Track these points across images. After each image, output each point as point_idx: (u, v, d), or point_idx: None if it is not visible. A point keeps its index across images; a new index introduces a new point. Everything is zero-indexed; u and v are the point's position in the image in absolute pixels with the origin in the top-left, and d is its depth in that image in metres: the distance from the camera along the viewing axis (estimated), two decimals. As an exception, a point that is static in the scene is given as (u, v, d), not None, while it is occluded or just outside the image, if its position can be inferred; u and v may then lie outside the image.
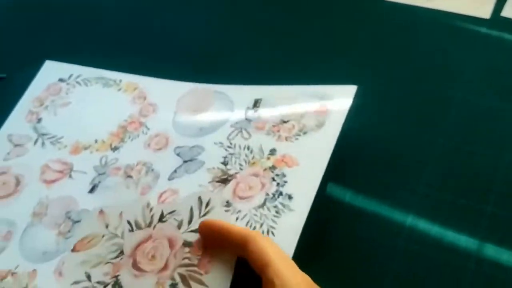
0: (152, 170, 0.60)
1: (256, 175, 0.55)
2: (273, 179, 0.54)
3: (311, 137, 0.57)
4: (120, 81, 0.70)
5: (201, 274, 0.45)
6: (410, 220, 0.54)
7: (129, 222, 0.48)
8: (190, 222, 0.47)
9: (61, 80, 0.72)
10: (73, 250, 0.48)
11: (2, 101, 0.72)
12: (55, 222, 0.59)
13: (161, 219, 0.48)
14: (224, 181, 0.56)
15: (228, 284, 0.44)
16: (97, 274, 0.47)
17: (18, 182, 0.63)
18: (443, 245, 0.52)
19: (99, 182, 0.61)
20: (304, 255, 0.47)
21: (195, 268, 0.45)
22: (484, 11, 0.69)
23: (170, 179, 0.58)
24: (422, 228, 0.53)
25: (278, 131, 0.58)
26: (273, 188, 0.53)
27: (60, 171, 0.63)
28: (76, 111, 0.68)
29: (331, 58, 0.68)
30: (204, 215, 0.47)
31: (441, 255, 0.51)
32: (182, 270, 0.45)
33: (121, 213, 0.49)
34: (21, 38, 0.81)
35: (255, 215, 0.52)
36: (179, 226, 0.47)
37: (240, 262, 0.45)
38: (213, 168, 0.57)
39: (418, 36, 0.69)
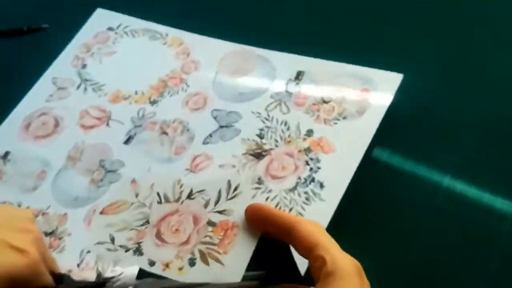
0: (188, 130, 0.61)
1: (290, 155, 0.56)
2: (307, 163, 0.55)
3: (351, 124, 0.57)
4: (167, 35, 0.69)
5: (219, 254, 0.46)
6: (447, 181, 0.54)
7: (158, 194, 0.50)
8: (216, 203, 0.48)
9: (109, 29, 0.72)
10: (101, 213, 0.50)
11: (51, 46, 0.72)
12: (89, 168, 0.60)
13: (190, 196, 0.49)
14: (258, 155, 0.56)
15: (244, 268, 0.45)
16: (120, 238, 0.48)
17: (57, 124, 0.65)
18: (479, 206, 0.52)
19: (135, 134, 0.62)
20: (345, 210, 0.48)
21: (215, 247, 0.46)
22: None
23: (204, 143, 0.59)
24: (459, 189, 0.54)
25: (318, 110, 0.58)
26: (305, 173, 0.54)
27: (98, 118, 0.64)
28: (121, 61, 0.69)
29: (380, 41, 0.66)
30: (231, 198, 0.48)
31: (476, 216, 0.52)
32: (202, 247, 0.47)
33: (152, 185, 0.50)
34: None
35: (285, 198, 0.53)
36: (205, 205, 0.48)
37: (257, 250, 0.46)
38: (248, 139, 0.58)
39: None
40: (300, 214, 0.51)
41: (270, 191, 0.53)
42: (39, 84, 0.69)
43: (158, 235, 0.48)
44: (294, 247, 0.42)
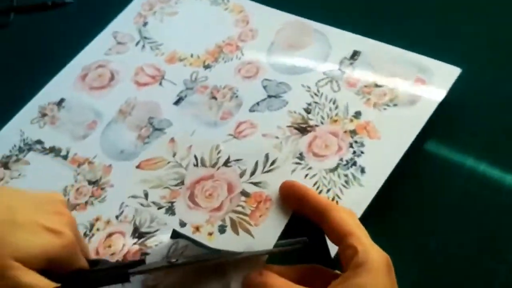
0: (237, 96, 0.61)
1: (335, 134, 0.55)
2: (351, 145, 0.54)
3: (401, 112, 0.56)
4: (228, 1, 0.69)
5: (250, 225, 0.46)
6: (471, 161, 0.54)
7: (195, 157, 0.50)
8: (252, 174, 0.49)
9: (173, -11, 0.73)
10: (137, 167, 0.50)
11: (115, 1, 0.73)
12: (137, 124, 0.62)
13: (226, 163, 0.49)
14: (303, 130, 0.56)
15: (273, 243, 0.45)
16: (154, 195, 0.49)
17: (112, 77, 0.66)
18: (502, 188, 0.52)
19: (185, 96, 0.63)
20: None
21: (247, 218, 0.47)
22: None
23: (251, 110, 0.60)
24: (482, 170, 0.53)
25: (369, 93, 0.58)
26: (348, 155, 0.54)
27: (152, 77, 0.65)
28: (181, 22, 0.69)
29: (441, 32, 0.64)
30: (267, 171, 0.48)
31: (500, 196, 0.51)
32: (233, 216, 0.47)
33: (190, 146, 0.50)
34: None
35: (325, 177, 0.53)
36: (241, 175, 0.49)
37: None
38: (295, 112, 0.58)
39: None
40: (338, 196, 0.51)
41: (310, 168, 0.54)
42: (100, 37, 0.70)
43: (191, 198, 0.48)
44: (325, 232, 0.42)
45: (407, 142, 0.53)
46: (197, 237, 0.46)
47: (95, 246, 0.53)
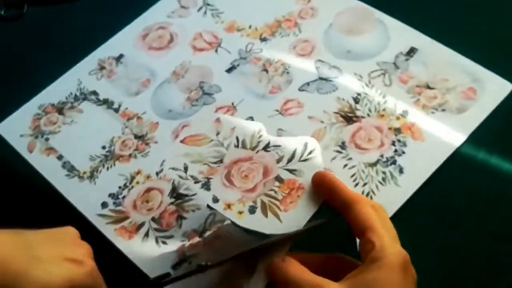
0: (288, 73, 0.62)
1: (380, 129, 0.56)
2: (393, 143, 0.55)
3: (448, 119, 0.56)
4: (292, -24, 0.69)
5: (279, 210, 0.48)
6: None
7: (237, 138, 0.51)
8: (289, 161, 0.49)
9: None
10: (181, 141, 0.52)
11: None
12: (188, 87, 0.63)
13: (266, 148, 0.50)
14: (349, 119, 0.57)
15: (298, 229, 0.46)
16: (193, 169, 0.50)
17: (171, 40, 0.68)
18: None
19: (238, 65, 0.64)
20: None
21: (277, 202, 0.48)
22: None
23: (300, 89, 0.61)
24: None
25: (419, 94, 0.58)
26: (389, 152, 0.55)
27: (209, 43, 0.66)
28: (245, -8, 0.70)
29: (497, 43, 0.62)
30: (304, 160, 0.49)
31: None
32: (265, 199, 0.48)
33: (234, 128, 0.51)
34: None
35: (363, 171, 0.54)
36: (278, 161, 0.50)
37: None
38: (343, 99, 0.59)
39: None
40: (372, 192, 0.52)
41: (350, 159, 0.55)
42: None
43: (228, 176, 0.50)
44: (349, 224, 0.43)
45: (450, 150, 0.54)
46: (227, 213, 0.48)
47: (133, 199, 0.56)
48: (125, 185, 0.57)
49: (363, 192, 0.52)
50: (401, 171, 0.53)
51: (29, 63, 0.69)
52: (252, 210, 0.48)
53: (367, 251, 0.41)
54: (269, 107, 0.60)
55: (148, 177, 0.57)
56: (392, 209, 0.51)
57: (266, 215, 0.47)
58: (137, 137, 0.60)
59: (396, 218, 0.50)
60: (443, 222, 0.52)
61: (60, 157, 0.60)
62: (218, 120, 0.51)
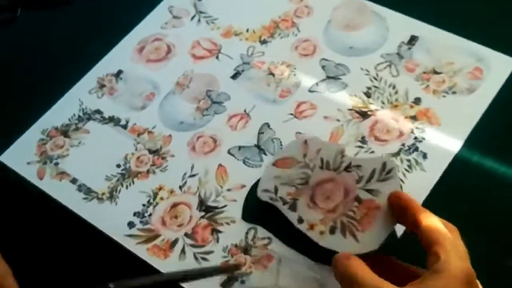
0: (295, 75, 0.62)
1: (396, 120, 0.57)
2: (412, 131, 0.56)
3: (460, 100, 0.57)
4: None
5: (357, 230, 0.48)
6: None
7: (322, 160, 0.52)
8: (368, 181, 0.50)
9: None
10: (273, 165, 0.53)
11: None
12: (195, 96, 0.63)
13: (347, 168, 0.51)
14: (364, 114, 0.58)
15: (375, 248, 0.47)
16: (282, 190, 0.52)
17: (169, 50, 0.67)
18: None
19: (243, 70, 0.63)
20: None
21: (355, 223, 0.49)
22: None
23: (311, 91, 0.61)
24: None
25: (428, 80, 0.59)
26: (410, 141, 0.56)
27: (209, 50, 0.66)
28: (236, -3, 0.70)
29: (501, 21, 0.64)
30: (382, 180, 0.50)
31: None
32: (344, 219, 0.49)
33: (319, 150, 0.52)
34: None
35: (388, 162, 0.55)
36: (357, 181, 0.50)
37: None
38: (355, 95, 0.59)
39: None
40: (401, 180, 0.53)
41: (372, 152, 0.56)
42: (155, 11, 0.71)
43: (312, 198, 0.51)
44: (419, 239, 0.44)
45: (467, 129, 0.56)
46: (309, 233, 0.49)
47: (160, 215, 0.55)
48: (148, 202, 0.56)
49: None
50: (424, 156, 0.55)
51: (24, 78, 0.68)
52: (332, 230, 0.49)
53: (432, 263, 0.41)
54: (282, 111, 0.60)
55: (171, 191, 0.56)
56: (424, 193, 0.52)
57: (344, 235, 0.48)
58: (151, 152, 0.59)
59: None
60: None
61: (74, 181, 0.59)
62: (305, 142, 0.52)
